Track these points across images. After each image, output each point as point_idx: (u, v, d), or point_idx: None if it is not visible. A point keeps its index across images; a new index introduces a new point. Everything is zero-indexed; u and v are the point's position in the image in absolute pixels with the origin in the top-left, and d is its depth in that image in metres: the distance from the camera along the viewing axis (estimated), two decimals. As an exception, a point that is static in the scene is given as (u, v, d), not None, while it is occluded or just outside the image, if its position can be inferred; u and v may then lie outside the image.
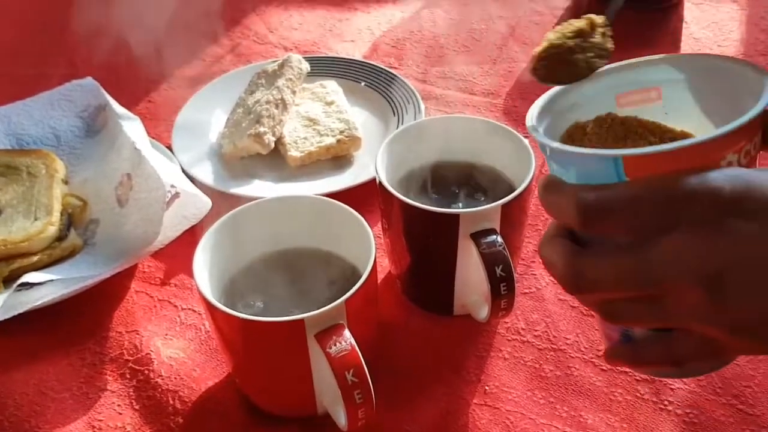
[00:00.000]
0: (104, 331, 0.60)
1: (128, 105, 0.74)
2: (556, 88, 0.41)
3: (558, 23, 0.51)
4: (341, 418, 0.47)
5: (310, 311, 0.46)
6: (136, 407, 0.55)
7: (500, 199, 0.54)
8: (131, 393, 0.56)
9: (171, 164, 0.68)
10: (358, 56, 0.91)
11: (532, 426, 0.52)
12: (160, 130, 0.79)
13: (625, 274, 0.34)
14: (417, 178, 0.61)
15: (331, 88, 0.81)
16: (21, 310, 0.57)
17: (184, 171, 0.70)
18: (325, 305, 0.46)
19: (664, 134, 0.39)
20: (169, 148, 0.74)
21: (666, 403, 0.53)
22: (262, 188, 0.71)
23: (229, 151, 0.74)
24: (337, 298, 0.47)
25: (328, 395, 0.50)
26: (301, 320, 0.46)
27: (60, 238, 0.64)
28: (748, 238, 0.32)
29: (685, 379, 0.54)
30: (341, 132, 0.75)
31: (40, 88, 0.78)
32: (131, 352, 0.59)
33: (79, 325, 0.61)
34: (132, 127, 0.68)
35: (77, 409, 0.55)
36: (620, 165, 0.33)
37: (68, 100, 0.77)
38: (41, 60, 0.94)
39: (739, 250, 0.32)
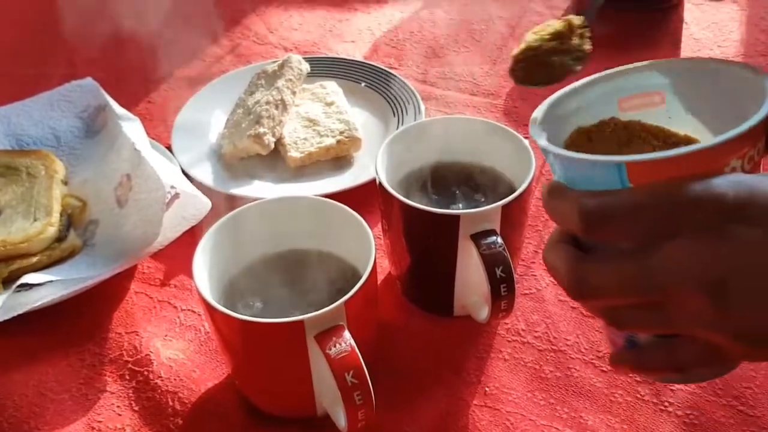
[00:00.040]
0: (104, 332, 0.60)
1: (128, 105, 0.74)
2: (559, 92, 0.40)
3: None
4: (341, 420, 0.47)
5: (309, 312, 0.46)
6: (136, 408, 0.55)
7: (500, 200, 0.54)
8: (131, 394, 0.56)
9: (171, 165, 0.68)
10: (358, 57, 0.91)
11: (532, 427, 0.52)
12: (159, 131, 0.79)
13: (628, 281, 0.34)
14: (417, 178, 0.61)
15: (331, 88, 0.81)
16: (20, 311, 0.57)
17: (183, 172, 0.70)
18: (325, 306, 0.46)
19: (668, 138, 0.39)
20: (169, 148, 0.74)
21: (666, 404, 0.53)
22: (261, 189, 0.71)
23: (229, 151, 0.74)
24: (337, 299, 0.47)
25: (328, 396, 0.50)
26: (301, 321, 0.46)
27: (59, 238, 0.64)
28: (752, 244, 0.31)
29: (686, 381, 0.54)
30: (341, 133, 0.75)
31: (40, 88, 0.78)
32: (131, 353, 0.58)
33: (79, 326, 0.61)
34: (132, 127, 0.68)
35: (76, 410, 0.55)
36: (624, 171, 0.33)
37: (68, 100, 0.76)
38: (41, 60, 0.94)
39: (743, 256, 0.32)
